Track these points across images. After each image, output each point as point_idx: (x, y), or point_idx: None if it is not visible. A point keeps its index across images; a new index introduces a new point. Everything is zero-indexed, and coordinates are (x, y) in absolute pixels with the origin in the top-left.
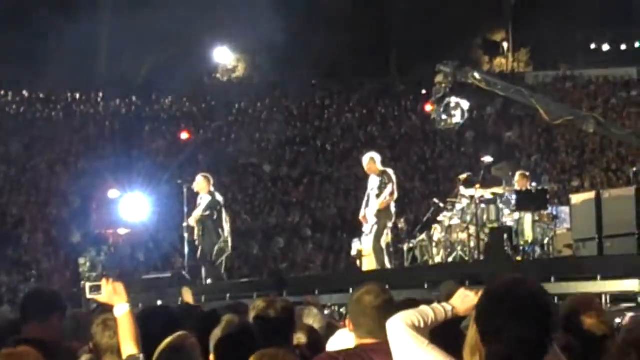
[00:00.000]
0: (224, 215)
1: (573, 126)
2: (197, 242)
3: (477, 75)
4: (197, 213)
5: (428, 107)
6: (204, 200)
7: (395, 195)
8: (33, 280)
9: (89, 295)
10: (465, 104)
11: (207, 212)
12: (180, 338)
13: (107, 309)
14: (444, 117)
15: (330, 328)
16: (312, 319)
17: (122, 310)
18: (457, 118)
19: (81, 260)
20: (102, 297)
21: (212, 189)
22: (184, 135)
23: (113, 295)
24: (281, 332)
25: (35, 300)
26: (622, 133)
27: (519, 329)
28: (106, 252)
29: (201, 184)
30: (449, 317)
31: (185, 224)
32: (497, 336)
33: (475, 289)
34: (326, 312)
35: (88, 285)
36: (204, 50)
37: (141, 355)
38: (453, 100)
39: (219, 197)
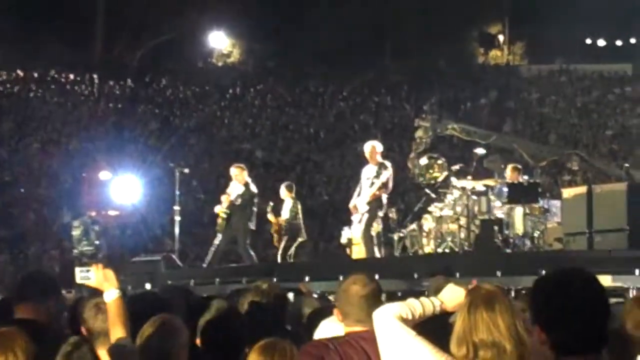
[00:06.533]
0: (255, 207)
1: (557, 165)
2: (217, 229)
3: (456, 126)
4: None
5: (409, 163)
6: (237, 188)
7: (389, 189)
8: (22, 260)
9: (79, 280)
10: (442, 159)
11: (238, 202)
12: (165, 319)
13: (97, 293)
14: (424, 171)
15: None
16: (311, 308)
17: (112, 296)
18: (436, 172)
19: (75, 223)
20: (92, 282)
21: (248, 179)
22: None
23: (103, 281)
24: (274, 319)
25: (32, 281)
26: (605, 165)
27: (584, 318)
28: (101, 225)
29: (239, 176)
30: (436, 312)
31: (176, 207)
32: (560, 325)
33: (465, 285)
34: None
35: (78, 270)
36: (200, 34)
37: (129, 339)
38: (433, 155)
39: (254, 188)
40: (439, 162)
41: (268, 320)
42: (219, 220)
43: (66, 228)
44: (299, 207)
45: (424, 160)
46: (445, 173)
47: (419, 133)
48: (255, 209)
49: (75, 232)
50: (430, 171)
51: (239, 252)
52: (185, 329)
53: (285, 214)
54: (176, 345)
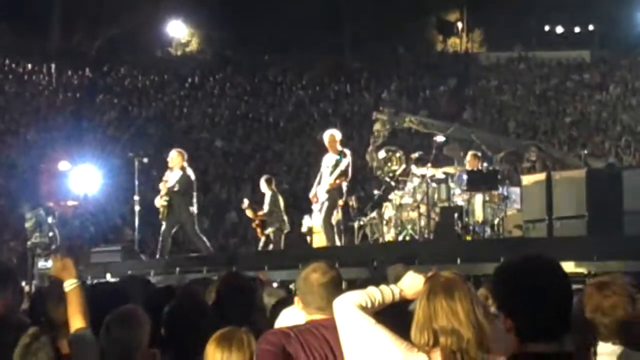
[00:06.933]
0: (194, 193)
1: (516, 156)
2: (160, 217)
3: (413, 119)
4: (164, 187)
5: (367, 157)
6: (175, 175)
7: (349, 177)
8: None
9: (38, 270)
10: (400, 152)
11: (177, 188)
12: (128, 309)
13: (60, 283)
14: (382, 165)
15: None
16: (276, 298)
17: (71, 286)
18: (395, 165)
19: (27, 215)
20: (52, 272)
21: (185, 164)
22: None
23: (62, 270)
24: (242, 308)
25: None
26: (563, 155)
27: (548, 304)
28: (55, 216)
29: (175, 159)
30: (396, 300)
31: (136, 197)
32: (524, 312)
33: (424, 272)
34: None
35: (38, 259)
36: (158, 23)
37: (89, 329)
38: (391, 148)
39: (191, 174)
40: (397, 154)
41: (235, 310)
42: (161, 209)
43: (24, 219)
44: (279, 198)
45: (382, 154)
46: (404, 166)
47: (376, 126)
48: (195, 193)
49: (28, 224)
50: (389, 164)
51: (190, 239)
52: (147, 319)
53: (265, 207)
54: (139, 335)
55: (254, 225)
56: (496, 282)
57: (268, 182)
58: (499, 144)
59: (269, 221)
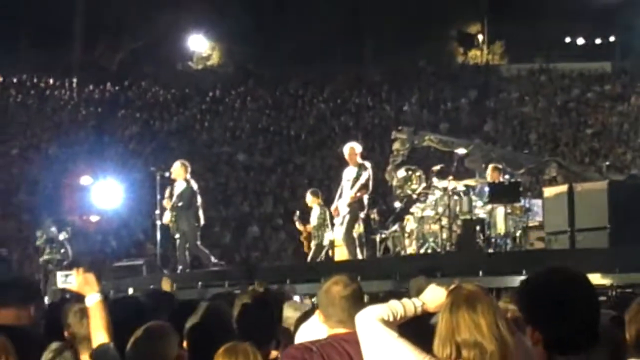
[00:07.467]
0: (199, 203)
1: (539, 172)
2: (171, 231)
3: (433, 138)
4: (169, 203)
5: (386, 176)
6: (178, 187)
7: (370, 189)
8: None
9: (60, 285)
10: (419, 171)
11: (180, 203)
12: (157, 325)
13: (81, 298)
14: (402, 184)
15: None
16: (293, 311)
17: (93, 300)
18: (414, 185)
19: (38, 233)
20: (74, 287)
21: (188, 176)
22: None
23: (84, 285)
24: (268, 323)
25: (14, 287)
26: (584, 171)
27: (577, 316)
28: (68, 232)
29: (177, 170)
30: (418, 313)
31: (157, 212)
32: (553, 324)
33: (446, 285)
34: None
35: (59, 274)
36: (179, 37)
37: (111, 344)
38: (411, 167)
39: (194, 185)
40: (417, 173)
41: (261, 324)
42: (170, 225)
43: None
44: (327, 213)
45: (401, 173)
46: (424, 184)
47: (395, 145)
48: (199, 205)
49: (39, 242)
50: (409, 183)
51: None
52: (176, 335)
53: (314, 221)
54: (167, 351)
55: (301, 238)
56: (523, 295)
57: (314, 194)
58: (519, 161)
59: (315, 234)
